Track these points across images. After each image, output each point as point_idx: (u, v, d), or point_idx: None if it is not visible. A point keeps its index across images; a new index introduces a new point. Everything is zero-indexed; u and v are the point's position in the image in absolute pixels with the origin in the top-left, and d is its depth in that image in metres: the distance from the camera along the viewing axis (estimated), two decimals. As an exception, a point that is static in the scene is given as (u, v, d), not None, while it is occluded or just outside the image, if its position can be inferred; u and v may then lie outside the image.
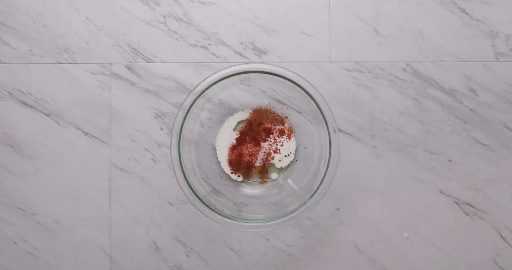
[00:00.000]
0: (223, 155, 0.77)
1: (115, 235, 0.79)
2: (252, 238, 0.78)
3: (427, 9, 0.79)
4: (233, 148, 0.76)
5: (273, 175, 0.77)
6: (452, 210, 0.78)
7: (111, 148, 0.79)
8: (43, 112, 0.80)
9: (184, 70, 0.79)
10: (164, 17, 0.80)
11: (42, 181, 0.79)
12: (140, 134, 0.79)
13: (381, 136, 0.78)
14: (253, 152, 0.76)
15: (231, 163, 0.76)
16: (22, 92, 0.80)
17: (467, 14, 0.79)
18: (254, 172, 0.77)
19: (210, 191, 0.75)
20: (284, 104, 0.77)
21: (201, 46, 0.79)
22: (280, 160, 0.76)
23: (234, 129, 0.77)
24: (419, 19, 0.79)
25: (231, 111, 0.77)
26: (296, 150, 0.77)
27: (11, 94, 0.80)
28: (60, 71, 0.80)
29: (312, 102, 0.70)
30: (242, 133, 0.76)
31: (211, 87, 0.70)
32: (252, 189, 0.77)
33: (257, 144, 0.76)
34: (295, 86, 0.69)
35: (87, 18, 0.80)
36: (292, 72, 0.69)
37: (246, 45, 0.79)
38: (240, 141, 0.76)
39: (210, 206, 0.70)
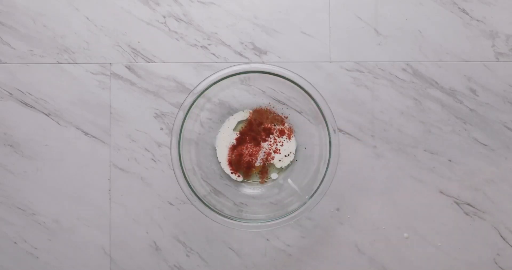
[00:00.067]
0: (223, 155, 0.77)
1: (115, 235, 0.79)
2: (252, 238, 0.78)
3: (427, 9, 0.79)
4: (233, 148, 0.76)
5: (273, 175, 0.77)
6: (452, 210, 0.78)
7: (111, 148, 0.79)
8: (43, 112, 0.80)
9: (184, 70, 0.79)
10: (164, 17, 0.80)
11: (42, 181, 0.79)
12: (140, 134, 0.79)
13: (381, 136, 0.78)
14: (253, 152, 0.76)
15: (231, 163, 0.76)
16: (22, 92, 0.80)
17: (467, 14, 0.79)
18: (254, 172, 0.77)
19: (210, 191, 0.75)
20: (284, 104, 0.77)
21: (201, 46, 0.79)
22: (280, 160, 0.76)
23: (234, 129, 0.77)
24: (419, 19, 0.79)
25: (231, 111, 0.77)
26: (296, 150, 0.77)
27: (11, 94, 0.80)
28: (60, 71, 0.80)
29: (312, 102, 0.70)
30: (242, 133, 0.76)
31: (211, 87, 0.70)
32: (252, 189, 0.77)
33: (257, 144, 0.76)
34: (295, 86, 0.69)
35: (87, 18, 0.80)
36: (292, 72, 0.69)
37: (246, 45, 0.79)
38: (240, 141, 0.76)
39: (210, 206, 0.70)
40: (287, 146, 0.76)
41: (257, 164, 0.76)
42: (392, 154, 0.78)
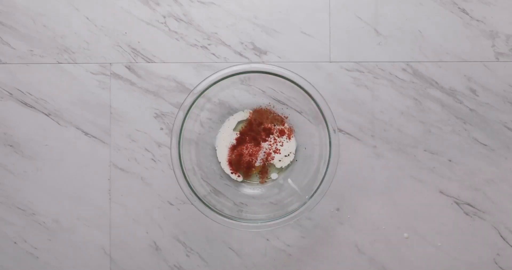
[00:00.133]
0: (223, 155, 0.77)
1: (115, 235, 0.79)
2: (252, 238, 0.78)
3: (427, 9, 0.79)
4: (233, 148, 0.76)
5: (273, 175, 0.77)
6: (452, 210, 0.78)
7: (111, 148, 0.79)
8: (43, 112, 0.80)
9: (184, 70, 0.79)
10: (164, 17, 0.80)
11: (42, 181, 0.79)
12: (140, 134, 0.79)
13: (381, 136, 0.78)
14: (253, 152, 0.76)
15: (231, 163, 0.76)
16: (22, 92, 0.80)
17: (467, 14, 0.79)
18: (254, 172, 0.77)
19: (210, 191, 0.75)
20: (284, 104, 0.77)
21: (201, 46, 0.79)
22: (280, 160, 0.76)
23: (234, 129, 0.77)
24: (419, 19, 0.79)
25: (231, 111, 0.77)
26: (296, 150, 0.77)
27: (11, 94, 0.80)
28: (60, 71, 0.80)
29: (312, 102, 0.70)
30: (242, 133, 0.76)
31: (211, 87, 0.70)
32: (252, 189, 0.77)
33: (257, 144, 0.76)
34: (295, 86, 0.69)
35: (87, 18, 0.80)
36: (292, 72, 0.69)
37: (246, 45, 0.79)
38: (240, 141, 0.76)
39: (210, 206, 0.70)
40: (287, 146, 0.76)
41: (257, 164, 0.76)
42: (392, 154, 0.78)
